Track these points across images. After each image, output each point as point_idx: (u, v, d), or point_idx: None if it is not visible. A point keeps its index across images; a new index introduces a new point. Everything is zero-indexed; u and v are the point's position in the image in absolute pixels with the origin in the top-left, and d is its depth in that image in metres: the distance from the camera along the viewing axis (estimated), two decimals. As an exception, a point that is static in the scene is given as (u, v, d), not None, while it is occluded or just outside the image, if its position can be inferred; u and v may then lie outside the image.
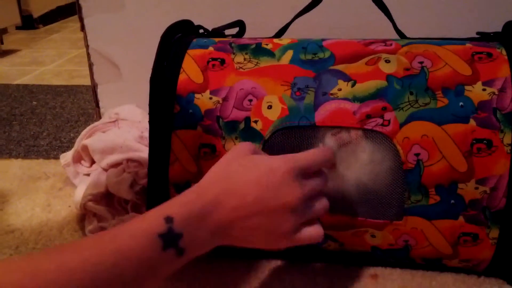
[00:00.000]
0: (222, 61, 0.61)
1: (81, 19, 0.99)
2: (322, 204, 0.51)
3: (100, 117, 1.04)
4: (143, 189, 0.73)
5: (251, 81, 0.59)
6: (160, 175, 0.60)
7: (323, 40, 0.62)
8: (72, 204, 0.79)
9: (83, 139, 0.84)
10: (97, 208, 0.71)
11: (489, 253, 0.56)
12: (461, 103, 0.54)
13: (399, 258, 0.60)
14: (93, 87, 1.05)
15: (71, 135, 1.12)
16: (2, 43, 2.09)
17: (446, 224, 0.55)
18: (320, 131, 0.56)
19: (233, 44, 0.63)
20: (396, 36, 0.67)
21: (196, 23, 0.69)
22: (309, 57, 0.60)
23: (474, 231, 0.55)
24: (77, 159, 0.85)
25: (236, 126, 0.58)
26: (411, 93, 0.55)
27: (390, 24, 0.68)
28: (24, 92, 1.47)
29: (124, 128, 0.87)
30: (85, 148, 0.82)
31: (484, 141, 0.53)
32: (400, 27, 0.68)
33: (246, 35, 0.74)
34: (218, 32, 0.71)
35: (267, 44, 0.62)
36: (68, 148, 1.02)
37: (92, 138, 0.83)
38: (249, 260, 0.63)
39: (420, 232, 0.56)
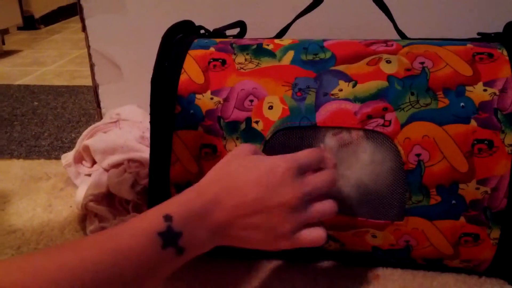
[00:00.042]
0: (223, 62, 0.61)
1: (82, 20, 0.99)
2: (325, 206, 0.50)
3: (101, 118, 1.04)
4: (144, 190, 0.73)
5: (252, 82, 0.59)
6: (161, 175, 0.60)
7: (324, 40, 0.62)
8: (74, 204, 0.79)
9: (84, 140, 0.84)
10: (98, 209, 0.72)
11: (490, 254, 0.56)
12: (462, 104, 0.54)
13: (400, 258, 0.60)
14: (94, 88, 1.05)
15: (73, 135, 1.12)
16: (4, 44, 2.10)
17: (447, 224, 0.55)
18: (321, 132, 0.56)
19: (234, 45, 0.63)
20: (397, 37, 0.67)
21: (197, 24, 0.69)
22: (310, 57, 0.60)
23: (475, 232, 0.55)
24: (79, 160, 0.85)
25: (237, 127, 0.58)
26: (412, 94, 0.55)
27: (391, 25, 0.68)
28: (25, 92, 1.47)
29: (125, 128, 0.87)
30: (86, 149, 0.82)
31: (485, 142, 0.53)
32: (401, 28, 0.68)
33: (247, 36, 0.74)
34: (219, 32, 0.71)
35: (268, 45, 0.62)
36: (70, 148, 1.02)
37: (93, 138, 0.84)
38: (250, 260, 0.63)
39: (421, 232, 0.56)
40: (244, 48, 0.62)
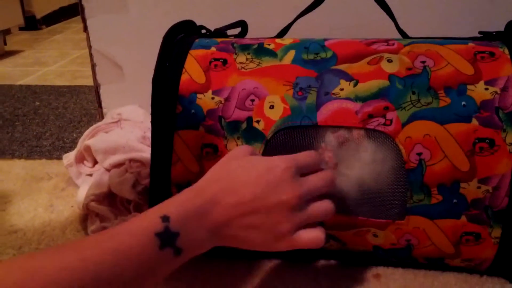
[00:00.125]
0: (224, 61, 0.61)
1: (84, 20, 0.99)
2: (323, 206, 0.51)
3: (102, 118, 1.05)
4: (145, 189, 0.73)
5: (253, 81, 0.59)
6: (162, 175, 0.61)
7: (325, 40, 0.62)
8: (75, 204, 0.80)
9: (85, 140, 0.85)
10: (99, 208, 0.72)
11: (491, 253, 0.56)
12: (463, 103, 0.54)
13: (401, 257, 0.59)
14: (96, 88, 1.05)
15: (74, 135, 1.13)
16: (5, 44, 2.10)
17: (449, 223, 0.55)
18: (322, 131, 0.56)
19: (235, 44, 0.63)
20: (398, 36, 0.67)
21: (198, 24, 0.69)
22: (311, 57, 0.60)
23: (476, 231, 0.55)
24: (80, 160, 0.85)
25: (238, 126, 0.58)
26: (413, 93, 0.55)
27: (392, 24, 0.68)
28: (27, 92, 1.47)
29: (126, 128, 0.87)
30: (87, 149, 0.82)
31: (487, 140, 0.53)
32: (402, 27, 0.68)
33: (248, 35, 0.74)
34: (220, 32, 0.71)
35: (269, 44, 0.62)
36: (71, 148, 1.03)
37: (94, 138, 0.84)
38: (250, 260, 0.63)
39: (422, 231, 0.56)
40: (245, 48, 0.62)
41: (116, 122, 0.89)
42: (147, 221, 0.45)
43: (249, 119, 0.58)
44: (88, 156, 0.84)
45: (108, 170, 0.77)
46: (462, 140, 0.53)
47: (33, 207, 0.81)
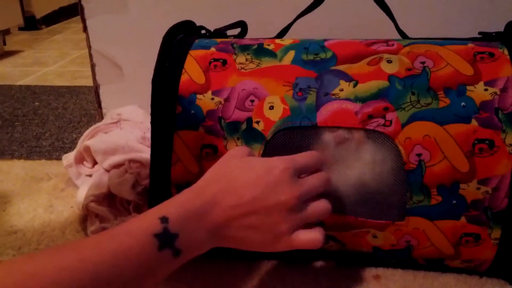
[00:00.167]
0: (224, 62, 0.61)
1: (83, 20, 0.99)
2: (321, 205, 0.51)
3: (102, 118, 1.04)
4: (145, 190, 0.73)
5: (253, 82, 0.59)
6: (162, 175, 0.60)
7: (325, 40, 0.62)
8: (75, 205, 0.79)
9: (85, 140, 0.84)
10: (99, 209, 0.72)
11: (491, 254, 0.56)
12: (463, 103, 0.54)
13: (401, 258, 0.59)
14: (95, 88, 1.05)
15: (74, 136, 1.12)
16: (5, 44, 2.10)
17: (448, 224, 0.55)
18: (322, 132, 0.56)
19: (235, 45, 0.63)
20: (398, 36, 0.67)
21: (198, 24, 0.69)
22: (311, 57, 0.60)
23: (476, 232, 0.55)
24: (79, 160, 0.85)
25: (238, 127, 0.58)
26: (413, 93, 0.55)
27: (392, 24, 0.68)
28: (26, 93, 1.47)
29: (126, 129, 0.87)
30: (87, 149, 0.82)
31: (486, 141, 0.53)
32: (402, 27, 0.68)
33: (248, 36, 0.74)
34: (220, 32, 0.71)
35: (269, 45, 0.62)
36: (71, 149, 1.02)
37: (94, 139, 0.84)
38: (250, 260, 0.63)
39: (422, 232, 0.56)
40: (245, 48, 0.62)
41: (116, 122, 0.89)
42: (146, 222, 0.45)
43: (249, 120, 0.58)
44: (88, 157, 0.84)
45: (107, 170, 0.77)
46: (462, 141, 0.53)
47: (32, 208, 0.81)
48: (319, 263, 0.64)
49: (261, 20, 0.84)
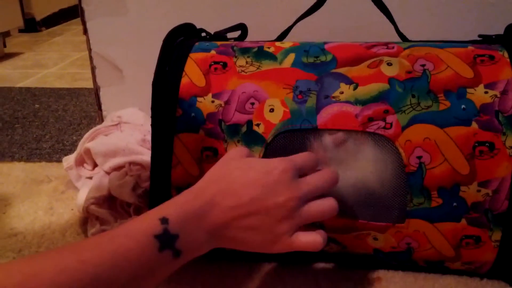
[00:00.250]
0: (224, 65, 0.61)
1: (83, 22, 0.99)
2: (324, 204, 0.50)
3: (102, 120, 1.05)
4: (145, 192, 0.73)
5: (253, 85, 0.59)
6: (162, 178, 0.61)
7: (325, 43, 0.62)
8: (75, 207, 0.79)
9: (85, 142, 0.84)
10: (99, 211, 0.72)
11: (491, 256, 0.56)
12: (463, 106, 0.54)
13: (402, 260, 0.60)
14: (96, 90, 1.05)
15: (74, 138, 1.13)
16: (5, 46, 2.10)
17: (449, 226, 0.55)
18: (322, 134, 0.56)
19: (235, 48, 0.63)
20: (398, 39, 0.67)
21: (198, 27, 0.69)
22: (311, 60, 0.60)
23: (476, 234, 0.55)
24: (80, 162, 0.85)
25: (238, 130, 0.58)
26: (413, 96, 0.55)
27: (392, 27, 0.68)
28: (26, 95, 1.47)
29: (126, 131, 0.87)
30: (87, 151, 0.82)
31: (486, 144, 0.53)
32: (402, 30, 0.68)
33: (248, 39, 0.74)
34: (220, 35, 0.71)
35: (269, 47, 0.62)
36: (71, 151, 1.03)
37: (94, 141, 0.84)
38: (250, 262, 0.63)
39: (422, 234, 0.56)
40: (245, 51, 0.62)
41: (116, 125, 0.89)
42: (146, 223, 0.45)
43: (249, 123, 0.58)
44: (88, 159, 0.84)
45: (108, 173, 0.77)
46: (462, 144, 0.53)
47: (33, 210, 0.81)
48: (319, 265, 0.64)
49: (261, 22, 0.84)
